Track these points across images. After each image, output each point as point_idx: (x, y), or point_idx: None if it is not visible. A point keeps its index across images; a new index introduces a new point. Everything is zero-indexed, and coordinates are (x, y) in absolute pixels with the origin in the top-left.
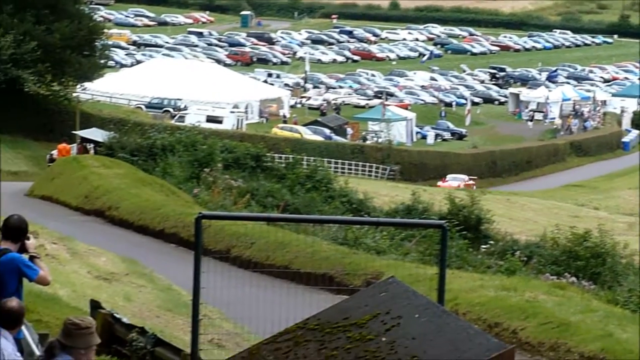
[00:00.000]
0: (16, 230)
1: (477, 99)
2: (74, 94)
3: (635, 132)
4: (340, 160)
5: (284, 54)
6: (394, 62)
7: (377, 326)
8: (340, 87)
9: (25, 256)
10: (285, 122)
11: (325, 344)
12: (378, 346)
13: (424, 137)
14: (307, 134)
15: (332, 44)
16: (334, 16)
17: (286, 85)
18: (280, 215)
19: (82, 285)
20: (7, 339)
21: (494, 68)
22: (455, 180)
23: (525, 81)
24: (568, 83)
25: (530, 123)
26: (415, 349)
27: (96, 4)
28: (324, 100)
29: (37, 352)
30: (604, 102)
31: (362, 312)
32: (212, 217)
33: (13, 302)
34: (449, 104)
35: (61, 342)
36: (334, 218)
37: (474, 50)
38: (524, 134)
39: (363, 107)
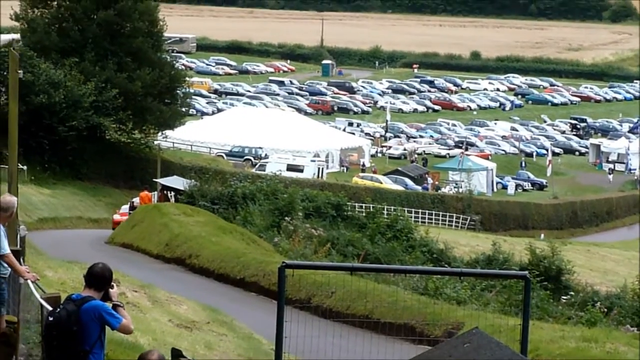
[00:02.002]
0: (100, 279)
1: (557, 150)
2: (155, 142)
3: None
4: (420, 210)
5: (364, 103)
6: (474, 112)
7: None
8: (421, 136)
9: (108, 304)
10: (363, 170)
11: None
12: None
13: (505, 187)
14: (388, 183)
15: (413, 93)
16: (415, 65)
17: (367, 134)
18: (363, 265)
19: (163, 333)
20: None
21: (574, 119)
22: None
23: (606, 132)
24: None
25: (610, 176)
26: None
27: (178, 52)
28: (406, 149)
29: None
30: None
31: None
32: (295, 266)
33: (154, 355)
34: (529, 154)
35: None
36: (417, 268)
37: (555, 101)
38: (605, 184)
39: (444, 156)
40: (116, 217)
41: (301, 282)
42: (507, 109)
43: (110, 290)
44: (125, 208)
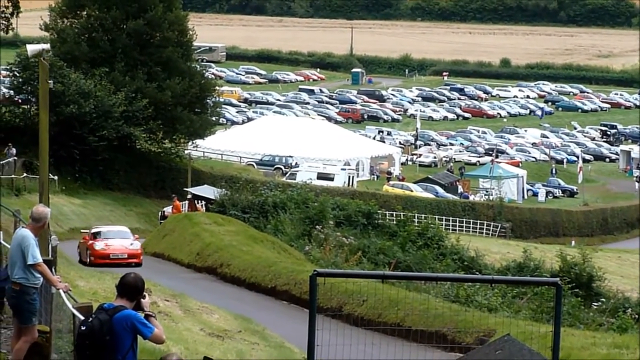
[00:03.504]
0: (133, 289)
1: (588, 156)
2: (186, 151)
3: None
4: (451, 218)
5: (394, 111)
6: (504, 119)
7: None
8: (451, 144)
9: (140, 314)
10: (389, 179)
11: None
12: None
13: (535, 194)
14: (418, 191)
15: (442, 101)
16: (444, 73)
17: (397, 142)
18: (394, 272)
19: (195, 343)
20: None
21: (604, 125)
22: None
23: (636, 138)
24: None
25: (637, 184)
26: None
27: (208, 62)
28: (436, 157)
29: None
30: None
31: None
32: (326, 274)
33: (173, 357)
34: (560, 161)
35: None
36: (448, 275)
37: (585, 108)
38: (635, 191)
39: (474, 164)
40: None
41: (332, 291)
42: (537, 114)
43: (142, 300)
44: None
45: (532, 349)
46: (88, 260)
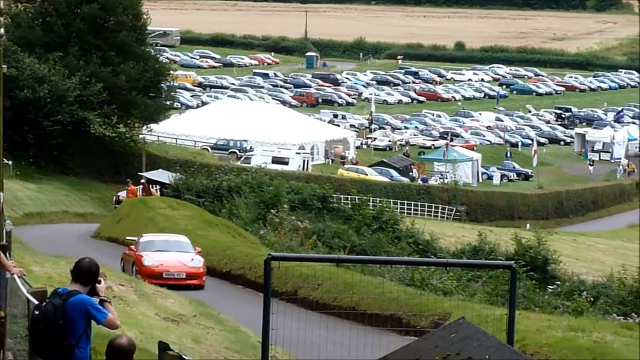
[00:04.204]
0: (87, 273)
1: (542, 140)
2: (140, 136)
3: None
4: (406, 201)
5: (349, 95)
6: (459, 103)
7: None
8: (406, 127)
9: (95, 299)
10: (343, 163)
11: None
12: None
13: (490, 177)
14: (373, 175)
15: (397, 84)
16: (399, 57)
17: (352, 126)
18: (349, 256)
19: (150, 327)
20: None
21: (559, 108)
22: None
23: (590, 121)
24: (634, 123)
25: (591, 168)
26: None
27: (162, 46)
28: (391, 141)
29: None
30: None
31: (433, 353)
32: (281, 258)
33: (123, 339)
34: (514, 145)
35: None
36: (403, 259)
37: (540, 91)
38: (590, 174)
39: (429, 147)
40: None
41: (287, 275)
42: (499, 92)
43: (98, 285)
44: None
45: (487, 332)
46: (135, 275)
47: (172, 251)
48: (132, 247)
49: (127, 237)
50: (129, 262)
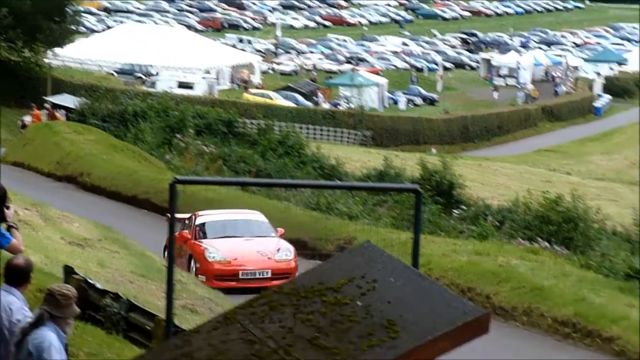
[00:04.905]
0: None
1: (448, 65)
2: (46, 60)
3: (606, 97)
4: (311, 126)
5: (254, 19)
6: (365, 28)
7: (353, 290)
8: (312, 52)
9: (4, 226)
10: (246, 88)
11: (300, 308)
12: (353, 310)
13: (396, 102)
14: (279, 100)
15: (303, 9)
16: None
17: (257, 51)
18: (256, 180)
19: (55, 251)
20: (15, 295)
21: (465, 33)
22: None
23: (496, 46)
24: (540, 48)
25: (495, 93)
26: (390, 313)
27: None
28: (297, 66)
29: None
30: (575, 68)
31: (338, 277)
32: (186, 181)
33: (20, 259)
34: (420, 70)
35: (50, 313)
36: (308, 182)
37: (445, 15)
38: (496, 100)
39: (335, 72)
40: None
41: (193, 200)
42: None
43: (6, 210)
44: None
45: (392, 255)
46: (195, 274)
47: (246, 236)
48: (185, 231)
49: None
50: (183, 253)
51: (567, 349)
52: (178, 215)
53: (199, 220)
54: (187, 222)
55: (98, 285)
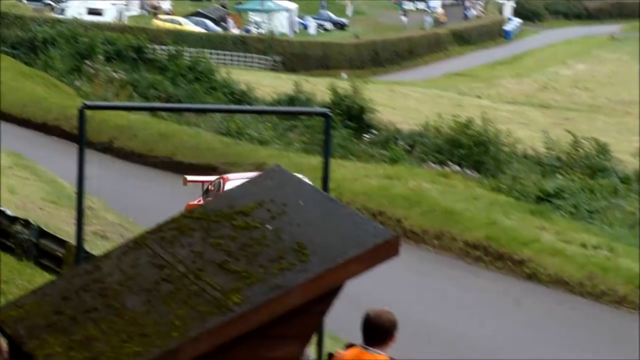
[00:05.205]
0: None
1: None
2: None
3: (516, 21)
4: (221, 52)
5: None
6: None
7: (263, 214)
8: None
9: None
10: (155, 14)
11: (210, 232)
12: (263, 234)
13: (306, 27)
14: (189, 25)
15: None
16: None
17: None
18: (166, 105)
19: None
20: None
21: None
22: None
23: None
24: None
25: (404, 18)
26: (300, 236)
27: None
28: None
29: None
30: None
31: (247, 201)
32: (95, 107)
33: None
34: None
35: None
36: (220, 107)
37: None
38: (404, 24)
39: None
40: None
41: (103, 126)
42: None
43: None
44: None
45: (302, 178)
46: None
47: None
48: (207, 199)
49: (188, 178)
50: None
51: (479, 272)
52: (197, 178)
53: (228, 186)
54: (211, 187)
55: (8, 212)
